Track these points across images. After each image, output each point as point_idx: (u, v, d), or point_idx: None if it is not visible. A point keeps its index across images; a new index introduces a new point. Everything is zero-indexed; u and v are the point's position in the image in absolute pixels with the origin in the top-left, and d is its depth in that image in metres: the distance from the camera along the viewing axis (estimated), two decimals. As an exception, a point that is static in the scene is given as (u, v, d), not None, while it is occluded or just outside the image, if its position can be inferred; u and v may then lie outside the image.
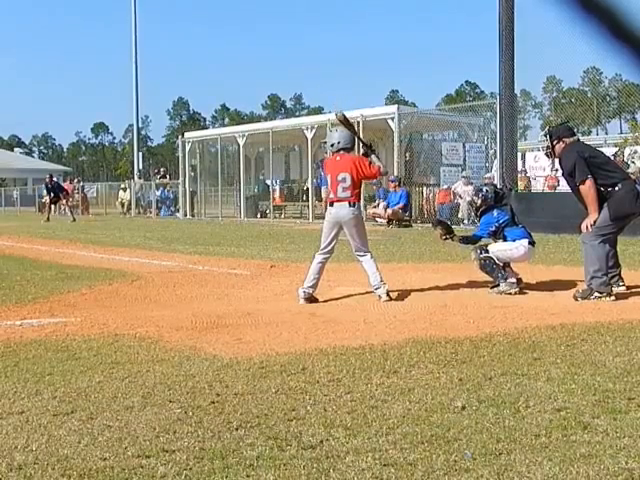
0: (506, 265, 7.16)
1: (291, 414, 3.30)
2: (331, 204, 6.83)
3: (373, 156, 6.87)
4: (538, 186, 24.52)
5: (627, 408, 3.31)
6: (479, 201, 7.40)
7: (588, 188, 6.44)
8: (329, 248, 6.81)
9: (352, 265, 7.90)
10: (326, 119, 21.96)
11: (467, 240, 7.54)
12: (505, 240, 7.17)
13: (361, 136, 7.65)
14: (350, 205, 6.71)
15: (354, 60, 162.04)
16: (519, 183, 18.11)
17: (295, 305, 6.55)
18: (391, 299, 6.63)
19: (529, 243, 7.13)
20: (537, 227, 7.50)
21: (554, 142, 6.76)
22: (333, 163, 6.94)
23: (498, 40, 15.83)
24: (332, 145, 6.90)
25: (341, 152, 6.86)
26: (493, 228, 7.24)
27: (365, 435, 2.99)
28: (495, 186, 8.52)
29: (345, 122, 6.98)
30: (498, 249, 7.10)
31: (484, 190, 7.50)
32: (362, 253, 6.81)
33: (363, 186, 7.89)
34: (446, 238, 7.55)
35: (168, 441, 2.95)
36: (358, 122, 19.55)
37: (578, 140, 7.06)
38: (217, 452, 2.82)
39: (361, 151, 7.16)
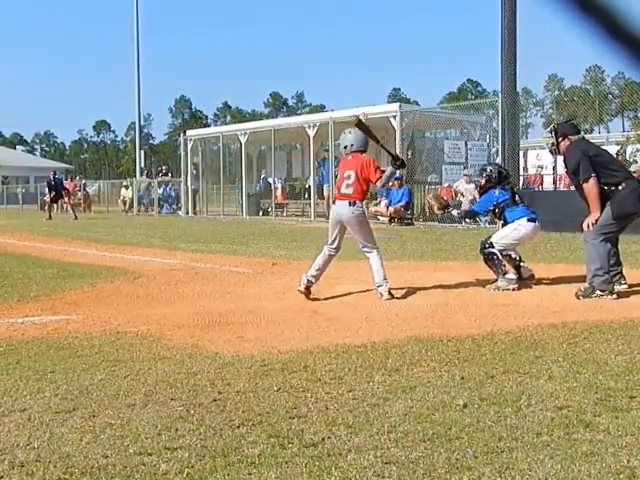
0: (516, 260, 7.20)
1: (293, 412, 3.30)
2: (334, 201, 6.94)
3: (390, 168, 6.85)
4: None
5: (629, 406, 3.31)
6: (483, 180, 7.46)
7: (591, 186, 6.43)
8: (335, 245, 6.86)
9: (354, 263, 7.91)
10: (328, 117, 21.95)
11: (465, 214, 7.61)
12: (506, 221, 7.27)
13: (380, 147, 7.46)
14: (350, 204, 6.69)
15: (356, 58, 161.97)
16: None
17: (297, 303, 6.55)
18: (393, 297, 6.63)
19: (529, 220, 7.18)
20: (539, 225, 7.51)
21: (559, 139, 6.75)
22: (345, 162, 7.02)
23: (500, 38, 15.81)
24: (345, 147, 6.94)
25: (354, 153, 6.88)
26: (491, 207, 7.36)
27: (367, 433, 2.99)
28: (499, 165, 8.54)
29: (360, 126, 6.91)
30: (499, 237, 7.22)
31: (488, 170, 7.55)
32: (368, 250, 6.82)
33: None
34: (443, 212, 7.63)
35: (170, 439, 2.96)
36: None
37: (583, 138, 7.05)
38: (219, 450, 2.83)
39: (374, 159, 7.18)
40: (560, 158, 7.72)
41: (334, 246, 6.85)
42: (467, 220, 16.73)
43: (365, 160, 6.81)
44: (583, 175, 6.46)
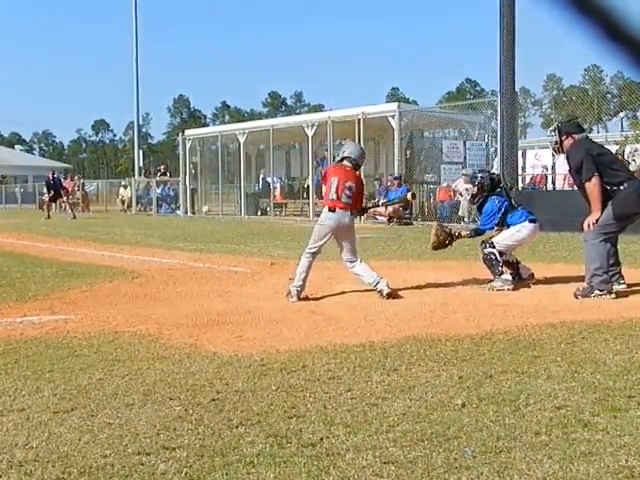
0: (514, 263, 7.20)
1: (291, 412, 3.30)
2: (333, 209, 6.75)
3: (380, 208, 7.44)
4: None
5: (627, 406, 3.31)
6: (475, 189, 7.34)
7: (593, 185, 6.42)
8: (317, 249, 6.84)
9: (352, 263, 7.88)
10: (326, 117, 21.96)
11: (475, 234, 7.47)
12: (508, 227, 7.22)
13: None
14: (351, 214, 6.86)
15: (355, 57, 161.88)
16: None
17: (295, 303, 6.55)
18: (393, 292, 6.63)
19: (530, 221, 7.17)
20: (538, 225, 7.49)
21: (562, 138, 6.74)
22: (342, 170, 6.95)
23: (499, 38, 15.82)
24: (339, 155, 7.14)
25: (351, 168, 6.98)
26: (497, 220, 7.20)
27: (365, 433, 2.99)
28: (489, 172, 8.44)
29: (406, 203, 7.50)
30: (501, 239, 7.19)
31: (479, 177, 7.42)
32: (353, 258, 6.84)
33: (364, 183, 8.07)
34: (450, 243, 7.53)
35: (168, 438, 2.96)
36: (359, 120, 19.58)
37: (586, 137, 7.04)
38: (217, 449, 2.82)
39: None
40: (560, 158, 7.72)
41: (315, 251, 6.84)
42: (466, 220, 16.76)
43: (362, 182, 7.24)
44: (586, 174, 6.45)
